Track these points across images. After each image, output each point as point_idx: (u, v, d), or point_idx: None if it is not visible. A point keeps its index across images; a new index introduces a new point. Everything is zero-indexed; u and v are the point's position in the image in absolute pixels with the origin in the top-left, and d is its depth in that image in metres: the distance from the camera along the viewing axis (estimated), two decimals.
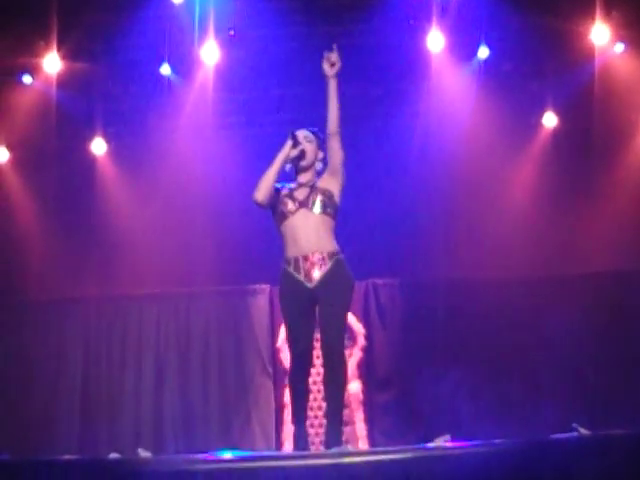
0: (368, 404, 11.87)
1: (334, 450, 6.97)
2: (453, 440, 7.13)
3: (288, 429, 11.71)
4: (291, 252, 6.36)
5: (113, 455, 7.54)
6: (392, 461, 5.68)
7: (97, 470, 5.81)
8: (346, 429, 11.49)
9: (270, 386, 12.07)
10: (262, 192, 6.47)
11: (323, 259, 6.27)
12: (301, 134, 6.86)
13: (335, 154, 6.68)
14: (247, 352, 12.20)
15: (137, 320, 12.49)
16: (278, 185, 6.68)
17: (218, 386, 12.18)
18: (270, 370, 12.10)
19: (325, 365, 6.27)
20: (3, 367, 11.91)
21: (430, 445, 6.87)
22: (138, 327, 12.46)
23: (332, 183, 6.69)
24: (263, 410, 12.00)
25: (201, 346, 12.32)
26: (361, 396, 11.80)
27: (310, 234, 6.33)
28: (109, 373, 12.32)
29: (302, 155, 6.72)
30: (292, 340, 6.36)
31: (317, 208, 6.47)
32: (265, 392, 12.06)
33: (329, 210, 6.53)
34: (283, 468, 5.67)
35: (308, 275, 6.23)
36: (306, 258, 6.28)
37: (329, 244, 6.41)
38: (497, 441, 6.11)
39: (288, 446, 11.58)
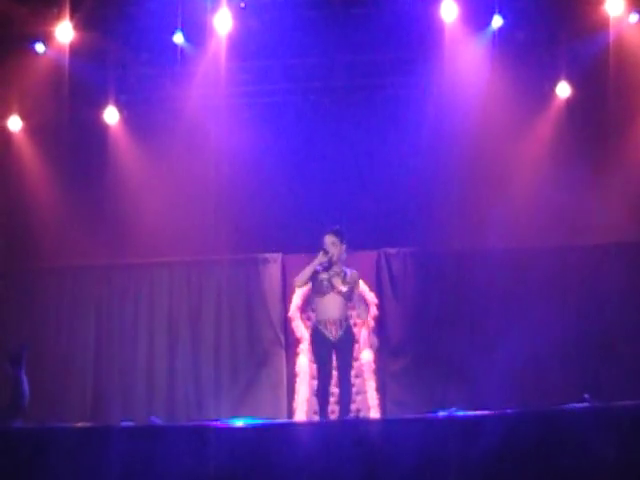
0: (380, 373, 11.91)
1: (347, 418, 7.03)
2: (465, 409, 7.17)
3: (300, 397, 11.76)
4: (321, 316, 9.41)
5: (126, 422, 7.60)
6: (403, 430, 5.71)
7: (110, 437, 5.86)
8: (358, 398, 11.57)
9: (282, 354, 12.12)
10: (300, 284, 9.77)
11: (341, 324, 9.32)
12: (329, 240, 9.41)
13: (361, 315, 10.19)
14: (259, 320, 12.24)
15: (149, 288, 12.54)
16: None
17: (230, 355, 12.23)
18: (282, 339, 12.13)
19: (339, 385, 9.38)
20: (16, 333, 11.96)
21: (442, 414, 6.91)
22: (150, 295, 12.51)
23: (355, 284, 9.64)
24: (275, 378, 12.04)
25: (213, 314, 12.37)
26: (373, 365, 11.84)
27: (335, 308, 9.34)
28: (121, 340, 12.39)
29: (331, 258, 9.43)
30: (320, 370, 9.50)
31: (342, 294, 9.36)
32: (277, 360, 12.10)
33: (349, 296, 9.45)
34: (295, 436, 5.72)
35: (332, 333, 9.30)
36: (331, 322, 9.31)
37: (345, 314, 9.44)
38: (509, 410, 6.14)
39: (300, 414, 11.63)
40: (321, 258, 9.38)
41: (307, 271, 9.40)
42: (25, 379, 6.84)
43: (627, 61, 11.39)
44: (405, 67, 12.14)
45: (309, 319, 11.78)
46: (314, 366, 11.13)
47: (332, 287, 9.37)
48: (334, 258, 9.39)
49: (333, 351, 9.37)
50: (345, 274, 9.45)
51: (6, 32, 11.28)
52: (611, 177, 11.62)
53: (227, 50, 11.55)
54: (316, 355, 9.62)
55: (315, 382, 11.16)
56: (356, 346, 11.00)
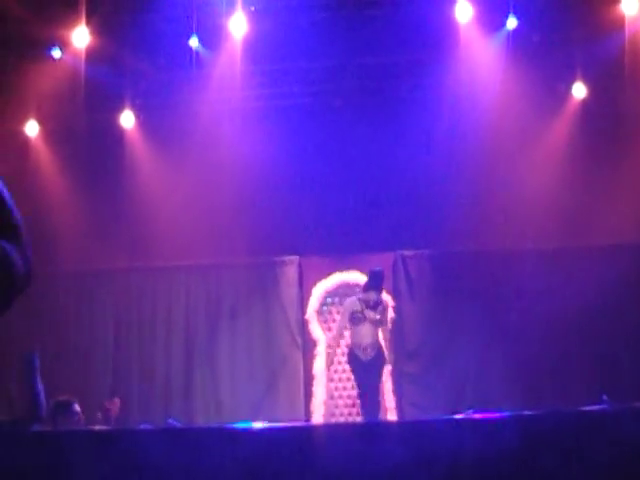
0: (396, 375, 11.91)
1: (362, 421, 7.04)
2: (482, 411, 7.16)
3: (317, 400, 11.78)
4: (356, 340, 10.36)
5: (144, 425, 7.62)
6: (419, 432, 5.71)
7: (128, 440, 5.88)
8: None
9: (299, 357, 12.14)
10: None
11: (372, 347, 10.25)
12: (372, 297, 10.35)
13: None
14: (276, 323, 12.27)
15: (167, 291, 12.59)
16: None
17: (247, 357, 12.25)
18: (299, 341, 12.15)
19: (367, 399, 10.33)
20: (37, 336, 12.00)
21: (459, 416, 6.92)
22: (168, 298, 12.55)
23: (385, 311, 10.64)
24: (292, 381, 12.07)
25: (230, 317, 12.39)
26: (389, 367, 11.83)
27: (368, 334, 10.27)
28: (139, 344, 12.44)
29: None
30: (357, 385, 10.53)
31: (375, 324, 10.31)
32: (294, 363, 12.12)
33: (380, 322, 10.41)
34: (310, 438, 5.73)
35: (365, 355, 10.22)
36: (364, 346, 10.21)
37: (376, 338, 10.38)
38: (527, 412, 6.13)
39: (317, 416, 11.65)
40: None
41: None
42: (41, 388, 6.83)
43: None
44: (419, 69, 12.14)
45: (329, 329, 11.90)
46: (331, 368, 11.30)
47: (365, 318, 10.29)
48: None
49: (365, 369, 10.32)
50: (377, 305, 10.39)
51: (23, 38, 11.33)
52: (627, 178, 11.60)
53: (242, 53, 11.56)
54: (355, 376, 10.62)
55: (332, 385, 11.99)
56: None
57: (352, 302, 10.53)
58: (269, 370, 12.17)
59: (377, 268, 10.52)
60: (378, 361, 10.35)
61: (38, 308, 12.17)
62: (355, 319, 10.34)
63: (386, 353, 10.58)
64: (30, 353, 7.05)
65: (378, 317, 10.34)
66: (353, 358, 10.41)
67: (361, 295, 10.46)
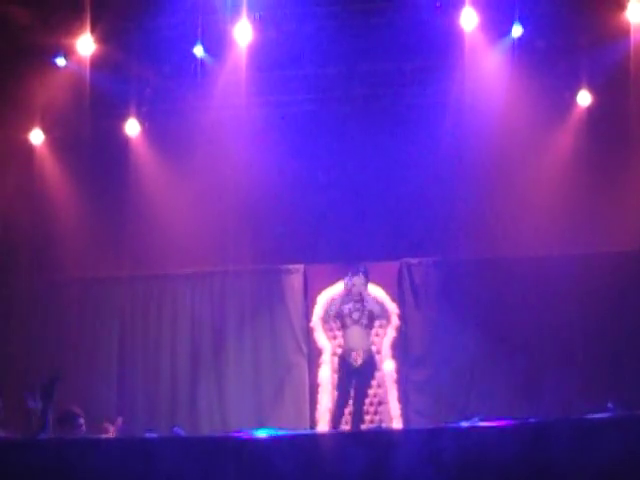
0: (402, 383, 11.89)
1: (368, 429, 7.01)
2: (487, 419, 7.14)
3: (322, 408, 11.75)
4: (347, 345, 10.39)
5: (149, 434, 7.60)
6: (425, 440, 5.69)
7: (133, 448, 5.86)
8: (380, 408, 11.57)
9: (304, 365, 12.12)
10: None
11: (363, 352, 10.18)
12: (358, 282, 10.31)
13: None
14: (281, 331, 12.26)
15: (172, 299, 12.57)
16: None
17: (252, 365, 12.24)
18: (304, 349, 12.14)
19: (353, 405, 10.31)
20: (41, 344, 12.01)
21: (464, 424, 6.89)
22: (173, 306, 12.54)
23: (378, 311, 10.58)
24: (297, 389, 12.05)
25: (236, 325, 12.39)
26: (395, 375, 11.82)
27: (357, 338, 10.26)
28: (144, 351, 12.43)
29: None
30: (339, 395, 10.40)
31: (364, 325, 10.31)
32: (299, 371, 12.10)
33: (371, 326, 10.48)
34: (316, 446, 5.70)
35: (355, 361, 10.16)
36: (355, 351, 10.19)
37: (367, 342, 10.38)
38: (532, 420, 6.11)
39: (322, 424, 11.62)
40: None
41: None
42: (50, 413, 6.80)
43: None
44: (425, 76, 12.12)
45: (335, 337, 11.86)
46: (336, 376, 11.31)
47: (353, 321, 10.31)
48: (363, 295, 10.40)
49: (354, 376, 10.27)
50: (365, 307, 10.33)
51: (28, 45, 11.34)
52: (633, 185, 11.58)
53: (247, 61, 11.56)
54: (339, 381, 10.55)
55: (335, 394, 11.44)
56: (378, 357, 11.09)
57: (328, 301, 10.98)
58: (274, 378, 12.15)
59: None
60: (368, 368, 10.35)
61: (43, 315, 12.18)
62: (344, 322, 10.40)
63: (377, 359, 10.66)
64: (52, 375, 7.01)
65: (366, 322, 10.30)
66: (343, 364, 10.40)
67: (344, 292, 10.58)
